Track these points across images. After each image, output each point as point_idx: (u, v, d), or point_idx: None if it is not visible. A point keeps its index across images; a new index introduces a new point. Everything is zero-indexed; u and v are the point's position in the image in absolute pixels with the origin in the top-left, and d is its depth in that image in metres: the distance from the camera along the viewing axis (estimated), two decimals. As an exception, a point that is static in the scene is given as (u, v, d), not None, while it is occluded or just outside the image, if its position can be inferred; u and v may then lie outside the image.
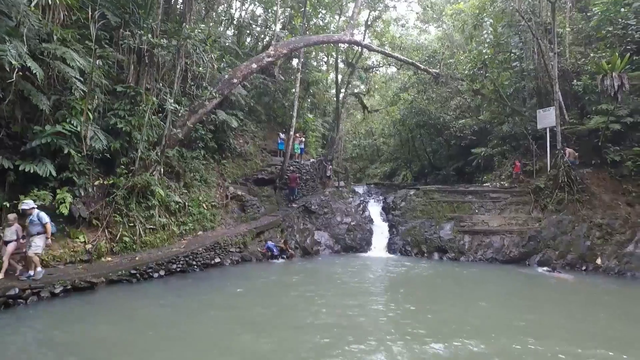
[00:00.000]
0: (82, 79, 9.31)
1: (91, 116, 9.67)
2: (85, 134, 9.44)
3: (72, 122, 9.23)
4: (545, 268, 13.10)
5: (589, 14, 18.64)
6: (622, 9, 16.20)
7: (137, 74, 11.66)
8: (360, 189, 22.76)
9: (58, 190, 9.16)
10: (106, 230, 10.14)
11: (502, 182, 18.20)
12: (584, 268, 13.13)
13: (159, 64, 12.11)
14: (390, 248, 16.30)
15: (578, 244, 13.62)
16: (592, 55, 17.17)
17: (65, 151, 9.12)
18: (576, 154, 15.58)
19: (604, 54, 16.14)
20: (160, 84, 12.24)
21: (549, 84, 17.54)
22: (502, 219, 15.65)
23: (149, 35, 11.40)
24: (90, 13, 10.04)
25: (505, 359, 5.25)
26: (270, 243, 13.91)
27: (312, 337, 5.95)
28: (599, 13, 16.88)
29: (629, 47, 15.84)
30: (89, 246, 9.54)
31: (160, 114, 12.13)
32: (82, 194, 9.75)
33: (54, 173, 8.97)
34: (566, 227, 14.16)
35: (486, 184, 18.79)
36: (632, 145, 14.67)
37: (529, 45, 19.50)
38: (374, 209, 18.75)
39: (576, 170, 15.10)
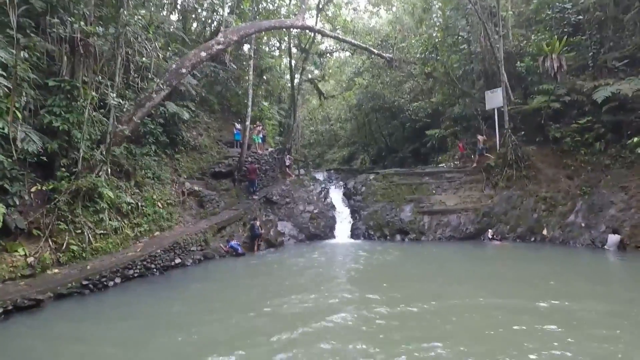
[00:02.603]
0: (4, 74, 8.24)
1: (20, 115, 8.63)
2: (14, 135, 8.44)
3: (-3, 123, 8.20)
4: (488, 239, 14.70)
5: (528, -2, 19.57)
6: (559, -7, 17.13)
7: (72, 66, 10.55)
8: (320, 176, 22.72)
9: (-13, 201, 8.18)
10: (50, 240, 9.25)
11: (455, 162, 18.93)
12: (532, 239, 14.11)
13: (96, 54, 11.03)
14: (354, 233, 16.50)
15: (526, 217, 14.57)
16: (533, 37, 18.09)
17: (-8, 156, 8.12)
18: (485, 139, 17.67)
19: (543, 36, 17.04)
20: (100, 77, 11.17)
21: (495, 66, 18.29)
22: (458, 198, 16.34)
23: (82, 23, 10.31)
24: (8, -3, 8.88)
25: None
26: (233, 242, 13.53)
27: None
28: (538, -3, 17.75)
29: (565, 30, 16.84)
30: (30, 259, 8.66)
31: (103, 110, 11.15)
32: (17, 202, 8.77)
33: (-20, 182, 7.97)
34: (515, 202, 15.07)
35: (441, 165, 19.47)
36: (570, 122, 15.73)
37: (475, 28, 20.13)
38: (336, 195, 18.82)
39: (522, 147, 16.02)
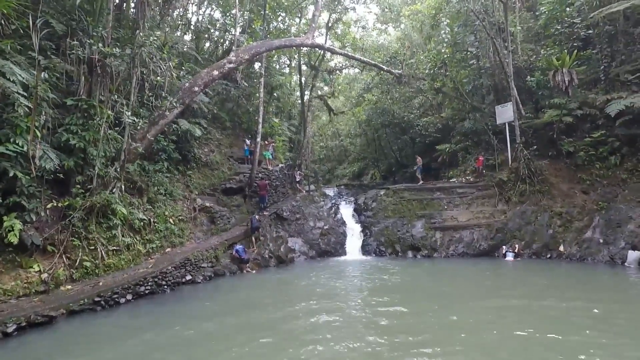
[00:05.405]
0: (25, 94, 8.52)
1: (39, 134, 8.89)
2: (33, 153, 8.66)
3: (16, 141, 8.43)
4: (502, 255, 14.39)
5: (537, 13, 19.67)
6: (567, 9, 17.19)
7: (89, 86, 10.86)
8: (330, 191, 22.70)
9: (5, 217, 8.33)
10: (64, 256, 9.36)
11: (467, 177, 18.74)
12: (548, 256, 13.77)
13: (113, 74, 11.35)
14: (365, 250, 16.33)
15: (542, 233, 14.26)
16: (542, 52, 18.10)
17: (11, 174, 8.32)
18: (420, 159, 19.98)
19: (553, 51, 17.03)
20: (116, 96, 11.48)
21: (505, 81, 18.30)
22: (470, 214, 16.10)
23: (100, 44, 10.67)
24: (31, 21, 9.27)
25: None
26: (238, 246, 13.55)
27: None
28: (546, 12, 17.85)
29: (575, 44, 16.81)
30: (44, 275, 8.75)
31: (118, 128, 11.40)
32: (34, 219, 8.93)
33: (-2, 199, 8.16)
34: (530, 218, 14.79)
35: (452, 180, 19.29)
36: (583, 136, 15.53)
37: (484, 43, 20.25)
38: (346, 211, 18.72)
39: (534, 161, 15.81)
